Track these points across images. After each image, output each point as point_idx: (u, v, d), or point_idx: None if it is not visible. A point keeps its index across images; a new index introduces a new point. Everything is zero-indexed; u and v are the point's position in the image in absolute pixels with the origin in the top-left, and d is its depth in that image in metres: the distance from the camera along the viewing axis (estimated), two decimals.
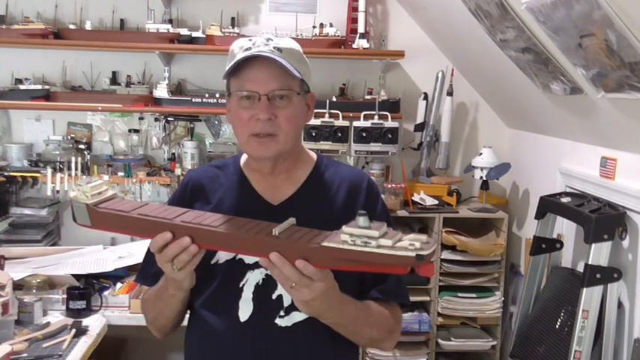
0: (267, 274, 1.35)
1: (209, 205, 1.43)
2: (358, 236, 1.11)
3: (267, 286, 1.36)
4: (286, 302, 1.35)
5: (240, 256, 1.36)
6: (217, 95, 3.21)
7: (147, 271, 1.48)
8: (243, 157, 1.49)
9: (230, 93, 1.39)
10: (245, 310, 1.36)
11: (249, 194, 1.44)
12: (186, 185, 1.50)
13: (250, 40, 1.37)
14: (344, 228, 1.13)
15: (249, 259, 1.36)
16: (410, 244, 1.08)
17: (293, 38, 1.50)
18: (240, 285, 1.37)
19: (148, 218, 1.25)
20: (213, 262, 1.38)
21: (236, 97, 1.36)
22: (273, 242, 1.17)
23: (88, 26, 3.22)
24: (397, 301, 1.47)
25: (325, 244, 1.13)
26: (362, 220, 1.12)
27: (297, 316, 1.35)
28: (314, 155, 1.50)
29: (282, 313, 1.36)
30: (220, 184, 1.46)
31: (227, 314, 1.37)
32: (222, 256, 1.37)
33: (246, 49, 1.34)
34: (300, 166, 1.46)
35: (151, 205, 1.33)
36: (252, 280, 1.37)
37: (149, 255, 1.42)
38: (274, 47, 1.34)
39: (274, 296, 1.36)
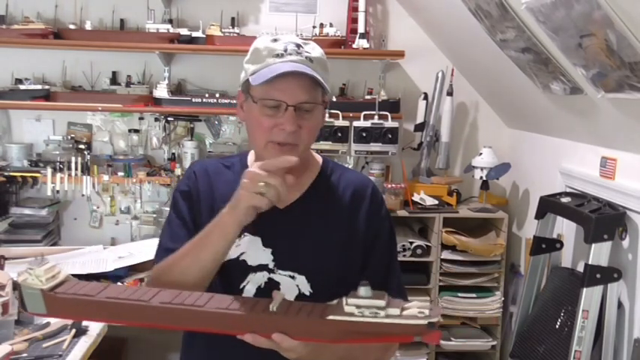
0: (269, 278, 1.34)
1: (212, 198, 1.40)
2: (366, 307, 1.07)
3: (270, 289, 1.31)
4: None
5: (243, 257, 1.34)
6: (217, 95, 3.21)
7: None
8: (251, 157, 1.46)
9: (250, 95, 1.32)
10: None
11: None
12: (192, 170, 1.47)
13: (276, 40, 1.32)
14: (347, 300, 1.09)
15: (252, 261, 1.35)
16: (419, 311, 1.06)
17: None
18: (241, 287, 1.35)
19: (121, 302, 1.13)
20: None
21: (260, 103, 1.30)
22: (273, 319, 1.10)
23: (88, 26, 3.22)
24: None
25: (331, 317, 1.08)
26: (363, 290, 1.08)
27: None
28: (320, 159, 1.49)
29: None
30: (225, 180, 1.42)
31: None
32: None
33: (277, 55, 1.29)
34: (307, 170, 1.44)
35: (114, 286, 1.21)
36: (254, 282, 1.34)
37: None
38: (306, 57, 1.30)
39: None
